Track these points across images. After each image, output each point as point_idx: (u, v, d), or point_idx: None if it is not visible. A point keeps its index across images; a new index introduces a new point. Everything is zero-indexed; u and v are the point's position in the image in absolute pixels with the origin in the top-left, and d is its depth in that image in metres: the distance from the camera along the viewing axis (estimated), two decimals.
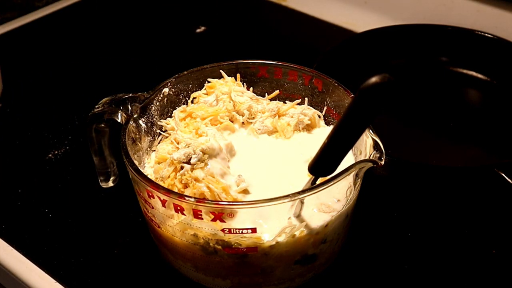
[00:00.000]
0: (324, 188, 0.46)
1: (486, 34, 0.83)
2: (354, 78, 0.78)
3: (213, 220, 0.46)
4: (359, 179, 0.50)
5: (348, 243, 0.56)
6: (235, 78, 0.61)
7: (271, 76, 0.62)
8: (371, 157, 0.47)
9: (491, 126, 0.75)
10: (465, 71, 0.85)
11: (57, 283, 0.56)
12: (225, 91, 0.59)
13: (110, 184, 0.60)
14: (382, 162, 0.47)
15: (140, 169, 0.49)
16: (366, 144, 0.50)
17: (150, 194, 0.48)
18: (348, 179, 0.49)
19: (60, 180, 0.69)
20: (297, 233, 0.48)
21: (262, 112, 0.60)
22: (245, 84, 0.62)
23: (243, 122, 0.59)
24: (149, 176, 0.50)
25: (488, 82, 0.83)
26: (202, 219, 0.46)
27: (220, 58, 0.63)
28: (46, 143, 0.75)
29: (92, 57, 0.94)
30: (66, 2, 1.08)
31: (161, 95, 0.59)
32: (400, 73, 0.85)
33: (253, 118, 0.59)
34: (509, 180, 0.59)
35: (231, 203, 0.49)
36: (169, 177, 0.51)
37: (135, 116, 0.55)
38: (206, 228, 0.47)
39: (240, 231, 0.47)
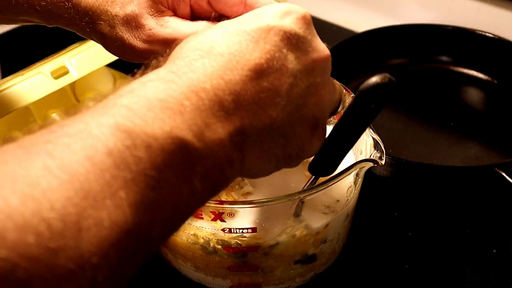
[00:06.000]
0: (325, 188, 0.46)
1: (487, 34, 0.83)
2: (354, 78, 0.79)
3: (214, 219, 0.46)
4: (360, 179, 0.50)
5: (348, 243, 0.56)
6: None
7: None
8: (371, 157, 0.47)
9: (492, 125, 0.75)
10: (466, 70, 0.85)
11: None
12: None
13: None
14: (383, 162, 0.47)
15: None
16: (366, 144, 0.50)
17: None
18: (349, 179, 0.49)
19: None
20: (297, 233, 0.48)
21: None
22: None
23: None
24: None
25: (489, 81, 0.83)
26: (202, 218, 0.46)
27: None
28: None
29: None
30: None
31: None
32: (400, 73, 0.84)
33: None
34: (510, 180, 0.59)
35: (231, 202, 0.48)
36: None
37: None
38: (206, 227, 0.47)
39: (240, 230, 0.46)
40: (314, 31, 0.39)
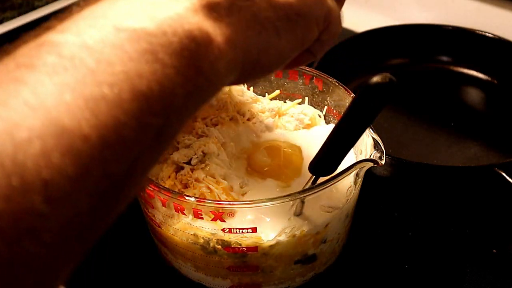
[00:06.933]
0: (325, 187, 0.46)
1: (487, 34, 0.83)
2: (354, 78, 0.79)
3: (213, 219, 0.46)
4: (360, 179, 0.50)
5: (348, 243, 0.56)
6: None
7: (271, 76, 0.62)
8: (371, 157, 0.47)
9: (492, 125, 0.75)
10: (466, 70, 0.85)
11: None
12: (225, 91, 0.59)
13: None
14: (383, 162, 0.47)
15: None
16: (366, 144, 0.50)
17: (151, 194, 0.48)
18: (349, 179, 0.49)
19: None
20: (297, 233, 0.48)
21: (262, 112, 0.60)
22: (245, 84, 0.62)
23: (243, 122, 0.59)
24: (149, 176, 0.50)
25: (489, 81, 0.83)
26: (202, 218, 0.46)
27: None
28: None
29: None
30: (66, 1, 1.08)
31: None
32: (400, 73, 0.85)
33: (254, 118, 0.59)
34: (510, 180, 0.59)
35: (231, 202, 0.48)
36: (169, 177, 0.51)
37: None
38: (206, 227, 0.47)
39: (240, 230, 0.46)
40: None
